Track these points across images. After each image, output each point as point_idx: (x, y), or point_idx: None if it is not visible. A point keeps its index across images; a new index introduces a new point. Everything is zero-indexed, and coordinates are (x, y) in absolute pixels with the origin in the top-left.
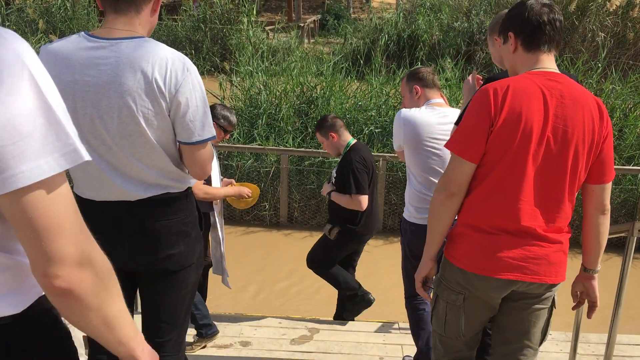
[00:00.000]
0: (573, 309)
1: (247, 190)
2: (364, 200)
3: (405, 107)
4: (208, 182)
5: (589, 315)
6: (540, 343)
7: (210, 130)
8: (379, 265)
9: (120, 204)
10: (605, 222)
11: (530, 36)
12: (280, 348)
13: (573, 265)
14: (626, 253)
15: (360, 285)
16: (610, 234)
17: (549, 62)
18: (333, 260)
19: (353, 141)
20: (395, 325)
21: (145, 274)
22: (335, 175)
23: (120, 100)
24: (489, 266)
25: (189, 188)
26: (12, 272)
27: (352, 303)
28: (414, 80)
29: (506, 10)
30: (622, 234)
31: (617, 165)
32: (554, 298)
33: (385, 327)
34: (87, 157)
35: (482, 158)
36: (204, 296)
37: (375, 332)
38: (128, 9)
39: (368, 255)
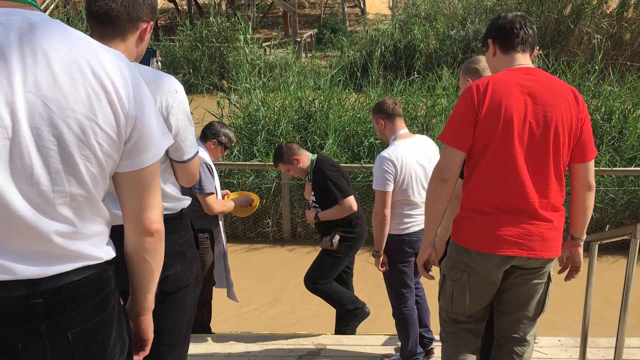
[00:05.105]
0: (559, 272)
1: (251, 196)
2: (352, 201)
3: (378, 134)
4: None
5: (567, 278)
6: (539, 314)
7: (195, 145)
8: (380, 276)
9: (115, 228)
10: (591, 197)
11: (505, 39)
12: None
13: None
14: (629, 256)
15: (357, 298)
16: (614, 236)
17: (524, 60)
18: (332, 275)
19: (315, 156)
20: None
21: None
22: (313, 197)
23: None
24: (490, 244)
25: (184, 209)
26: None
27: (353, 318)
28: (378, 113)
29: None
30: (626, 237)
31: (619, 167)
32: (549, 273)
33: (392, 340)
34: None
35: (472, 147)
36: (209, 319)
37: (382, 345)
38: (113, 36)
39: (370, 266)
